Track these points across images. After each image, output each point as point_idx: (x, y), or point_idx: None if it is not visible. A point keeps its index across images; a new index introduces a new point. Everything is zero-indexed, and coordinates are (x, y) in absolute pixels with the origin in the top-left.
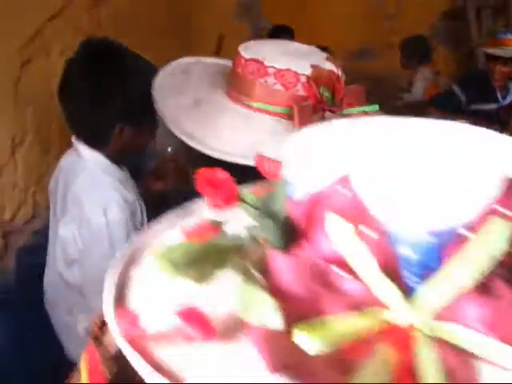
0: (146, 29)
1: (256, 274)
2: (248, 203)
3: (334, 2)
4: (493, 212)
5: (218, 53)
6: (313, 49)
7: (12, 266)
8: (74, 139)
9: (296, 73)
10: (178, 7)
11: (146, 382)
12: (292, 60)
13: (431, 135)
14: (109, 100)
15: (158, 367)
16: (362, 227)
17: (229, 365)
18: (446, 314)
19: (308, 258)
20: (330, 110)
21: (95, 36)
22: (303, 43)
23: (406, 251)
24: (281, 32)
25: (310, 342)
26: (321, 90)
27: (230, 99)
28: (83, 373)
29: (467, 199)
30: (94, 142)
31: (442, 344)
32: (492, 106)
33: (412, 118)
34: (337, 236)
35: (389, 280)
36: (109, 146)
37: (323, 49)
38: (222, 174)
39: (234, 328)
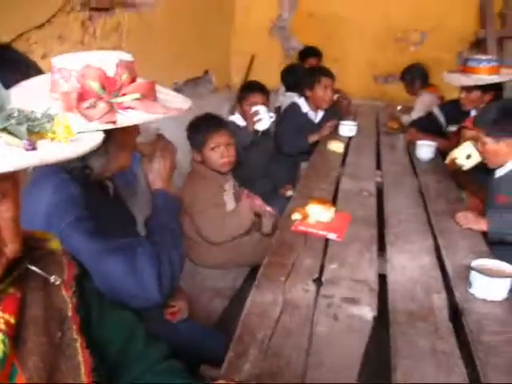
0: (179, 46)
1: None
2: None
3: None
4: None
5: (249, 69)
6: (110, 55)
7: None
8: None
9: (69, 70)
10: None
11: None
12: (73, 61)
13: None
14: None
15: None
16: None
17: None
18: None
19: None
20: (99, 98)
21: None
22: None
23: None
24: (309, 53)
25: None
26: (89, 83)
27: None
28: None
29: None
30: None
31: None
32: (454, 129)
33: None
34: None
35: None
36: None
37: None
38: None
39: None
